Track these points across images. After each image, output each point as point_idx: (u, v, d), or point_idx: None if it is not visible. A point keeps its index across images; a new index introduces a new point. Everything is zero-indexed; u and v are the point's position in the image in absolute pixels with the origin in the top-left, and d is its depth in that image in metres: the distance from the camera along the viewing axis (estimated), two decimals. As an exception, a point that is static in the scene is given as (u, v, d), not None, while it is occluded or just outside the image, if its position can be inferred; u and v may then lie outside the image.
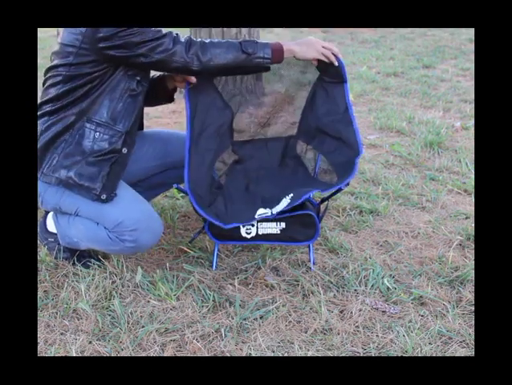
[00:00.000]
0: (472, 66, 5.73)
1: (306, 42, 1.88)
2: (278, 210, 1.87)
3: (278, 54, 1.82)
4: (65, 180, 1.78)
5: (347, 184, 1.88)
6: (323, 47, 1.89)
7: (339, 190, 1.88)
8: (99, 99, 1.77)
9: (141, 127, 2.11)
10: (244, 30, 3.88)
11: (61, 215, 1.92)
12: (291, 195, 1.93)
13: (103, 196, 1.79)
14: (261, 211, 1.91)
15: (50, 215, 2.03)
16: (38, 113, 1.82)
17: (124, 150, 1.83)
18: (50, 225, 2.03)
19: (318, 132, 2.10)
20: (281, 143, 2.22)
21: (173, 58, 1.74)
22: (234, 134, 2.19)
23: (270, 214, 1.87)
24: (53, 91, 1.78)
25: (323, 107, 2.06)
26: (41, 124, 1.80)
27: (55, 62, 1.77)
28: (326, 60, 1.92)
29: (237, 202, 2.02)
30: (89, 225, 1.84)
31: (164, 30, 1.74)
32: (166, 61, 1.74)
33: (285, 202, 1.91)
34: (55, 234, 2.01)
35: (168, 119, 4.00)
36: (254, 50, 1.79)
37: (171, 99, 2.11)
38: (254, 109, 2.29)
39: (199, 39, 1.79)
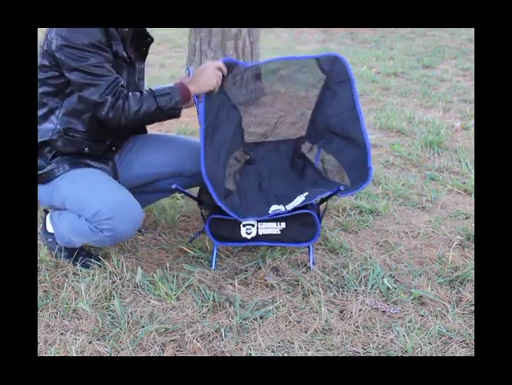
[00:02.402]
0: (472, 66, 5.73)
1: (200, 72, 1.89)
2: (292, 207, 1.89)
3: (185, 97, 1.83)
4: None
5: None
6: (218, 68, 1.91)
7: (338, 190, 1.89)
8: None
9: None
10: (244, 30, 3.87)
11: (55, 214, 1.98)
12: (306, 193, 1.95)
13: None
14: (274, 207, 1.94)
15: (47, 217, 2.07)
16: None
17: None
18: (49, 226, 2.06)
19: (325, 132, 2.13)
20: (291, 145, 2.23)
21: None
22: (245, 136, 2.20)
23: (284, 210, 1.90)
24: None
25: (331, 107, 2.09)
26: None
27: None
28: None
29: (251, 198, 2.05)
30: (72, 219, 1.89)
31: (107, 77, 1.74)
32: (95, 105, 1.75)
33: (299, 199, 1.93)
34: (54, 234, 2.04)
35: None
36: (166, 103, 1.80)
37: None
38: (260, 111, 2.30)
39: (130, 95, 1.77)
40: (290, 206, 1.91)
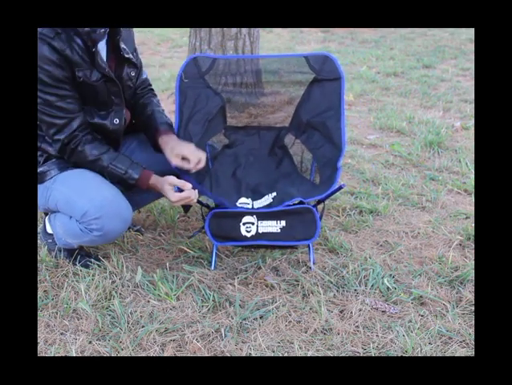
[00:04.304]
0: (472, 66, 5.73)
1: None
2: (260, 206, 1.97)
3: (144, 180, 1.85)
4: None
5: (335, 192, 1.92)
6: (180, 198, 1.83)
7: (340, 188, 1.90)
8: None
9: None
10: (244, 30, 3.87)
11: (51, 216, 1.98)
12: (274, 194, 2.03)
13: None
14: (243, 200, 2.01)
15: (47, 218, 2.08)
16: None
17: None
18: (48, 227, 2.07)
19: (308, 127, 2.18)
20: (273, 133, 2.29)
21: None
22: (228, 119, 2.25)
23: (250, 207, 1.97)
24: None
25: (317, 103, 2.14)
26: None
27: None
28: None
29: (223, 186, 2.11)
30: (64, 221, 1.89)
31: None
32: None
33: (267, 200, 2.01)
34: (53, 235, 2.04)
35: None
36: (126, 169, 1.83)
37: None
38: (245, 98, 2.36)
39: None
40: (257, 204, 1.99)
